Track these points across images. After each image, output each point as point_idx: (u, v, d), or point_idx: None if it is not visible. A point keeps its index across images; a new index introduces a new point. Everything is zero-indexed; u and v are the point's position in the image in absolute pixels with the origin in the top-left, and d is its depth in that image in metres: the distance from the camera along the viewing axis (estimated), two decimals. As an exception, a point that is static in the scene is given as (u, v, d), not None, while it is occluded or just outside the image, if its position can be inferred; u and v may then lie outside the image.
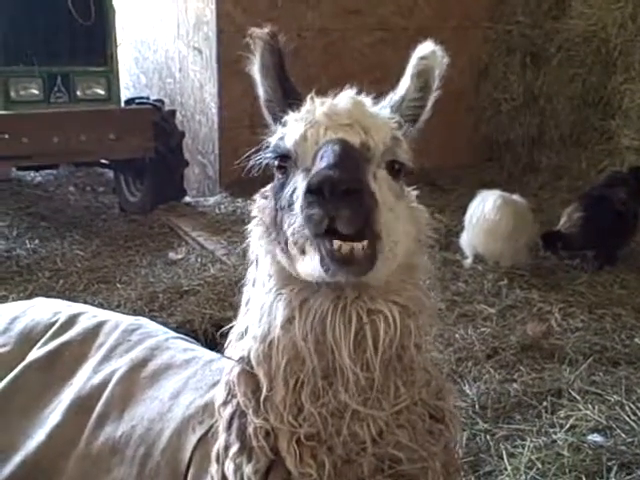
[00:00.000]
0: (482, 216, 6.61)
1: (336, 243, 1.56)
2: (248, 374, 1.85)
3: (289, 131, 1.78)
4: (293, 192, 1.70)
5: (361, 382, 1.74)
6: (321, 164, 1.60)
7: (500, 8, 10.67)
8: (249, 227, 1.93)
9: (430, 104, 1.92)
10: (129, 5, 10.70)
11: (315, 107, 1.78)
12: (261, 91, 1.93)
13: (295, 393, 1.76)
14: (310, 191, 1.55)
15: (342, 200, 1.52)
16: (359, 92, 1.86)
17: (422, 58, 1.86)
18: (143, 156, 8.57)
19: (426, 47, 1.87)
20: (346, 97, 1.81)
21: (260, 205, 1.90)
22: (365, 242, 1.57)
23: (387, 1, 9.90)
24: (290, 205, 1.70)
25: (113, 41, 8.66)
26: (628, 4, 9.24)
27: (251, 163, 1.88)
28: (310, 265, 1.67)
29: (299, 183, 1.69)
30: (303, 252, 1.68)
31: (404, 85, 1.91)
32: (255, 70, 1.89)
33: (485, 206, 6.62)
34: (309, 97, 1.84)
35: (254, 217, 1.92)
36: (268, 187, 1.91)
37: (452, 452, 2.00)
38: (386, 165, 1.77)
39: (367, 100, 1.85)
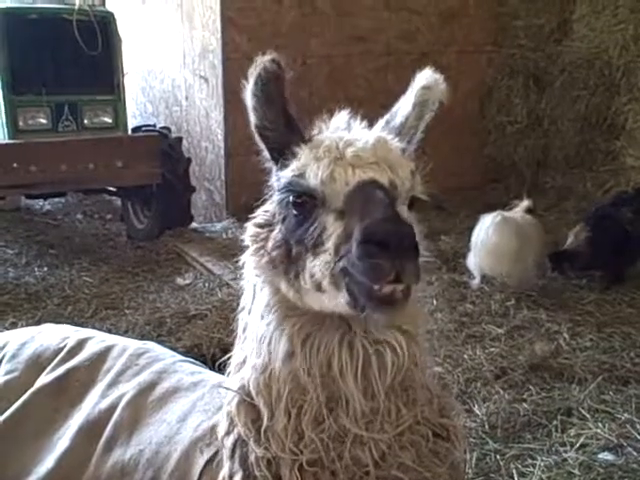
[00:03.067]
0: (485, 237, 6.60)
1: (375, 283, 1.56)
2: (248, 404, 1.85)
3: (311, 169, 1.75)
4: (322, 232, 1.69)
5: (365, 410, 1.74)
6: (373, 213, 1.58)
7: (503, 32, 10.75)
8: (243, 257, 1.92)
9: (421, 129, 1.92)
10: (135, 35, 10.82)
11: (336, 143, 1.76)
12: (255, 117, 1.87)
13: (296, 421, 1.76)
14: (373, 242, 1.53)
15: (406, 253, 1.53)
16: (355, 116, 1.87)
17: (425, 88, 1.86)
18: (150, 183, 8.63)
19: (428, 76, 1.87)
20: (368, 134, 1.81)
21: (255, 234, 1.89)
22: (404, 284, 1.57)
23: (390, 27, 9.98)
24: (317, 245, 1.68)
25: (120, 70, 8.74)
26: (629, 26, 9.30)
27: (263, 198, 1.90)
28: (332, 301, 1.67)
29: (330, 224, 1.68)
30: (319, 288, 1.68)
31: (404, 112, 1.90)
32: (250, 96, 1.84)
33: (487, 227, 6.62)
34: (326, 132, 1.83)
35: (247, 246, 1.91)
36: (259, 214, 1.92)
37: (459, 471, 1.99)
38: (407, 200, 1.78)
39: (387, 135, 1.84)
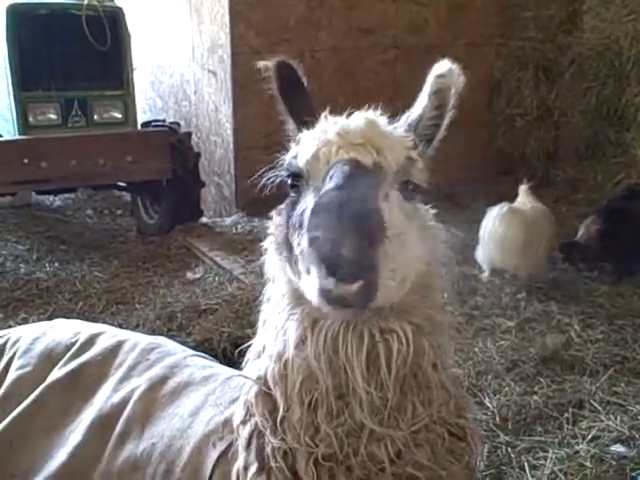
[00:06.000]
0: (492, 229, 6.58)
1: (329, 283, 1.52)
2: (265, 394, 1.86)
3: (302, 149, 1.78)
4: (304, 211, 1.69)
5: (375, 401, 1.73)
6: (329, 185, 1.59)
7: (512, 24, 10.69)
8: (264, 244, 1.94)
9: (446, 123, 1.90)
10: (144, 30, 10.83)
11: (328, 126, 1.78)
12: (287, 116, 1.97)
13: (311, 413, 1.76)
14: (316, 212, 1.53)
15: (349, 224, 1.48)
16: (374, 111, 1.86)
17: (439, 76, 1.84)
18: (160, 178, 8.67)
19: (443, 65, 1.85)
20: (360, 116, 1.81)
21: (275, 222, 1.90)
22: (359, 283, 1.51)
23: (399, 19, 9.95)
24: (301, 224, 1.68)
25: (129, 65, 8.75)
26: (640, 16, 9.26)
27: (264, 181, 1.90)
28: (311, 289, 1.63)
29: (309, 202, 1.69)
30: (308, 272, 1.65)
31: (421, 104, 1.89)
32: (279, 99, 1.94)
33: (494, 219, 6.61)
34: (323, 116, 1.85)
35: (269, 234, 1.93)
36: (284, 204, 1.93)
37: (473, 470, 1.99)
38: (400, 185, 1.75)
39: (382, 119, 1.84)
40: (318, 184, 1.70)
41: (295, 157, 1.79)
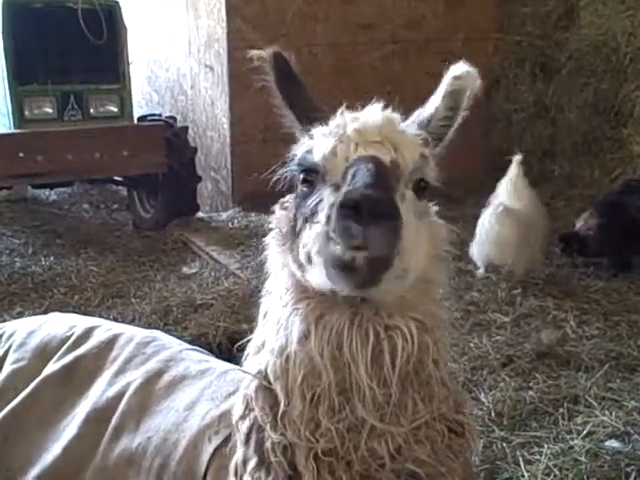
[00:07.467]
0: (489, 227, 6.58)
1: (339, 249, 1.56)
2: (266, 389, 1.84)
3: (317, 145, 1.77)
4: (318, 203, 1.70)
5: (378, 398, 1.72)
6: (357, 182, 1.58)
7: (509, 19, 10.68)
8: (267, 239, 1.93)
9: (457, 124, 1.91)
10: (141, 24, 10.80)
11: (345, 122, 1.77)
12: (285, 107, 1.95)
13: (312, 408, 1.75)
14: (347, 206, 1.53)
15: (377, 221, 1.51)
16: (384, 107, 1.85)
17: (456, 78, 1.85)
18: (156, 172, 8.65)
19: (460, 67, 1.86)
20: (376, 113, 1.80)
21: (278, 216, 1.90)
22: (368, 252, 1.55)
23: (396, 14, 9.93)
24: (312, 214, 1.69)
25: (125, 59, 8.74)
26: (637, 12, 9.22)
27: (276, 177, 1.88)
28: (316, 273, 1.67)
29: (326, 196, 1.68)
30: (310, 261, 1.68)
31: (434, 103, 1.89)
32: (275, 91, 1.92)
33: (489, 217, 6.61)
34: (339, 111, 1.84)
35: (272, 229, 1.92)
36: (287, 198, 1.91)
37: (470, 466, 2.00)
38: (413, 184, 1.76)
39: (396, 116, 1.84)
40: (336, 180, 1.69)
41: (310, 152, 1.78)
